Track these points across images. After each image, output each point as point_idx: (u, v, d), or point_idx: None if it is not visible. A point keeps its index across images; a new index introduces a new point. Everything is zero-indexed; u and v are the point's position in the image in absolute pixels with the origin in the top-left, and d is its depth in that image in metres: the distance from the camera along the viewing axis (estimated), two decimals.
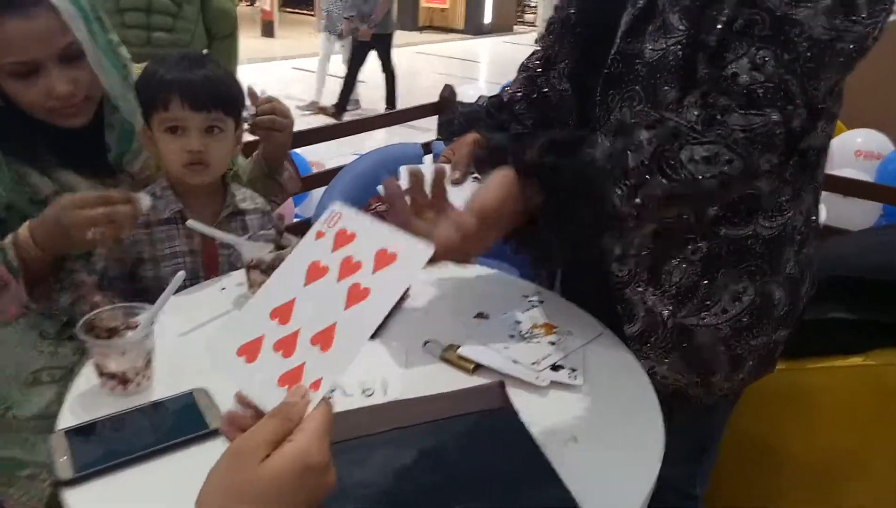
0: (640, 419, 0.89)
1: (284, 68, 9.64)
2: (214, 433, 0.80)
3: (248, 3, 16.24)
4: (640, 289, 1.03)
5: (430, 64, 11.04)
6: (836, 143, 3.55)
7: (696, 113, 0.83)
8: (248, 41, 9.23)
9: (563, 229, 0.86)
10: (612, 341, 1.05)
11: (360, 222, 0.62)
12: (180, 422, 0.82)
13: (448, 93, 3.02)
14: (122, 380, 0.87)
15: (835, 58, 0.83)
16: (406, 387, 0.91)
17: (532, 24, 16.48)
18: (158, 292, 0.93)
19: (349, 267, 0.59)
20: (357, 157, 2.48)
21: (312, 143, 2.75)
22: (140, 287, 1.19)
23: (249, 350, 0.58)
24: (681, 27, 0.90)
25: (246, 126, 1.33)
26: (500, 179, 0.87)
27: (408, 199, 0.89)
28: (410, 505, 0.73)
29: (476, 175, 1.09)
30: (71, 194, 1.05)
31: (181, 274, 0.96)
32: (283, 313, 0.59)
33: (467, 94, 3.78)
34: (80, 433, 0.80)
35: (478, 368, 0.96)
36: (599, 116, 0.99)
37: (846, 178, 2.89)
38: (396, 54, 7.27)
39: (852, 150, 3.78)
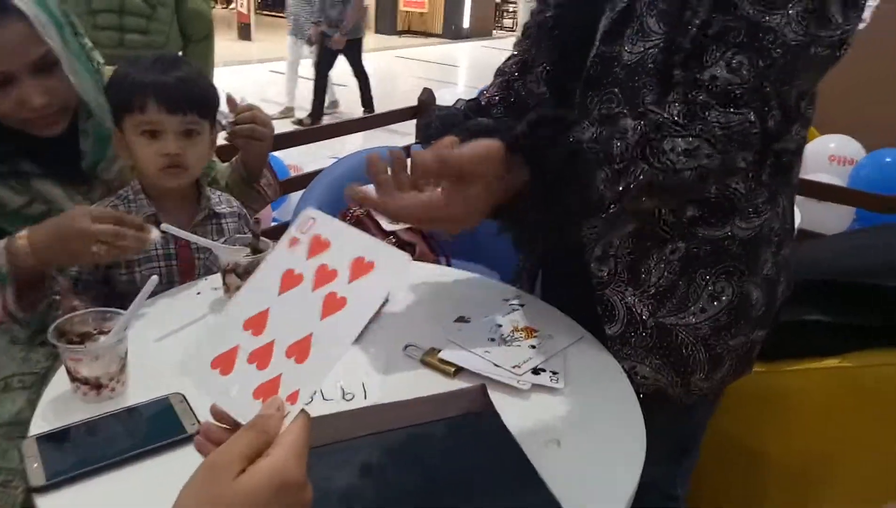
0: (622, 422, 0.89)
1: (261, 72, 9.58)
2: (191, 439, 0.79)
3: (224, 6, 16.12)
4: (619, 289, 1.04)
5: (408, 68, 11.04)
6: (809, 148, 3.60)
7: (678, 108, 0.85)
8: (225, 44, 9.18)
9: (547, 208, 0.86)
10: (593, 344, 1.05)
11: (335, 229, 0.60)
12: (156, 427, 0.81)
13: (427, 96, 3.02)
14: (95, 386, 0.85)
15: (808, 63, 0.85)
16: (387, 391, 0.90)
17: (511, 29, 16.59)
18: (133, 296, 0.91)
19: (325, 275, 0.58)
20: (336, 160, 2.46)
21: (290, 146, 2.73)
22: (114, 292, 1.16)
23: (223, 362, 0.57)
24: (658, 31, 0.91)
25: (224, 134, 1.32)
26: (483, 142, 0.84)
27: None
28: None
29: None
30: (84, 205, 1.04)
31: (154, 279, 0.94)
32: (256, 323, 0.58)
33: (446, 98, 3.78)
34: (52, 439, 0.78)
35: (459, 371, 0.95)
36: (579, 117, 0.98)
37: (820, 182, 2.94)
38: (375, 58, 7.28)
39: (826, 155, 3.84)
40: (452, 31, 15.30)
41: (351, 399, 0.88)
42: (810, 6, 0.82)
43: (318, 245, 0.59)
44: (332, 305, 0.56)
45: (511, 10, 17.27)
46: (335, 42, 6.64)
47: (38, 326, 1.13)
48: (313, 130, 3.83)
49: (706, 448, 1.28)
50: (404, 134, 4.50)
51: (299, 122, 6.93)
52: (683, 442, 1.24)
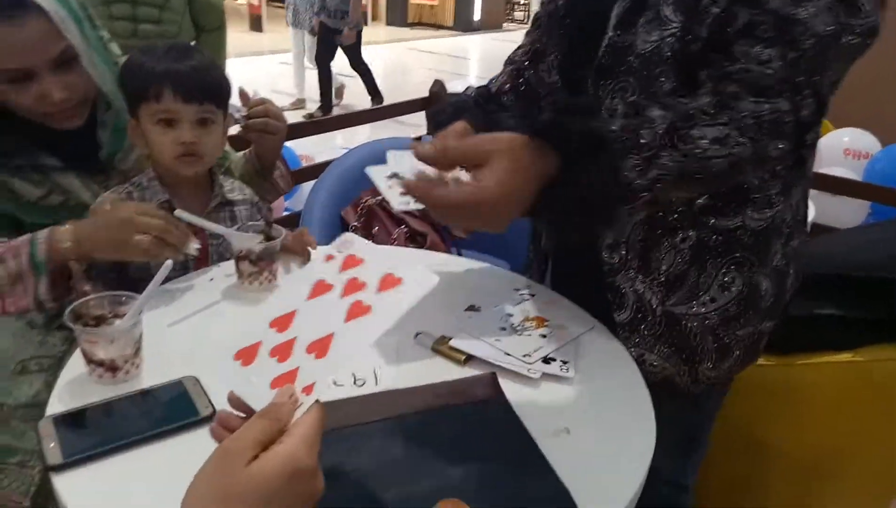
0: (632, 411, 0.89)
1: (273, 63, 9.58)
2: (205, 421, 0.80)
3: None
4: (630, 276, 1.04)
5: (419, 60, 11.02)
6: (824, 142, 3.58)
7: (707, 99, 0.85)
8: (236, 35, 9.19)
9: (577, 196, 0.83)
10: (604, 333, 1.05)
11: (370, 250, 0.65)
12: (170, 410, 0.81)
13: (438, 88, 3.02)
14: (111, 368, 0.86)
15: (839, 52, 0.85)
16: (397, 378, 0.90)
17: (522, 21, 16.52)
18: (146, 282, 0.91)
19: (354, 286, 0.61)
20: (346, 151, 2.47)
21: (302, 137, 2.74)
22: (127, 278, 1.17)
23: (245, 355, 0.60)
24: (675, 20, 0.90)
25: (238, 128, 1.32)
26: (506, 134, 0.83)
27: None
28: (401, 495, 0.72)
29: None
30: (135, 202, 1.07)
31: (169, 263, 0.95)
32: (282, 322, 0.61)
33: (456, 90, 3.77)
34: (68, 419, 0.79)
35: (469, 359, 0.95)
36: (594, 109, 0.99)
37: (834, 176, 2.92)
38: (386, 50, 7.25)
39: (840, 149, 3.81)
40: (463, 24, 15.25)
41: (362, 385, 0.89)
42: None
43: (352, 261, 0.64)
44: (358, 310, 0.59)
45: (522, 2, 17.19)
46: (346, 37, 6.57)
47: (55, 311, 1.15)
48: (324, 120, 3.84)
49: (716, 438, 1.28)
50: (415, 126, 4.50)
51: (310, 116, 6.92)
52: (693, 432, 1.24)
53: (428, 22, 15.76)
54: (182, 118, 1.14)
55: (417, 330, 1.01)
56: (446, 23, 15.49)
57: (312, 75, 7.14)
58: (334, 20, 6.52)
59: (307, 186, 2.87)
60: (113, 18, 2.75)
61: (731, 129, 0.83)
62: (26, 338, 1.19)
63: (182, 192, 1.21)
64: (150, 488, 0.71)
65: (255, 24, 12.45)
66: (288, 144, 2.97)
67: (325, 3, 6.46)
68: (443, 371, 0.93)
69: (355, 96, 7.45)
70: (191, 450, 0.75)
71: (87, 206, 1.17)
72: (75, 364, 0.90)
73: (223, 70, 1.23)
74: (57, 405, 0.83)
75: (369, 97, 7.21)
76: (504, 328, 1.03)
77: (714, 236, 1.00)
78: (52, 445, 0.74)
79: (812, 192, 1.13)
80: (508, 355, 0.96)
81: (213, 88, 1.18)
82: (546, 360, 0.96)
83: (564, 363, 0.95)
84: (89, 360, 0.87)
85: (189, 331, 1.01)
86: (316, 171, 2.51)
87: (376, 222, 2.03)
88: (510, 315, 1.07)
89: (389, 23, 15.66)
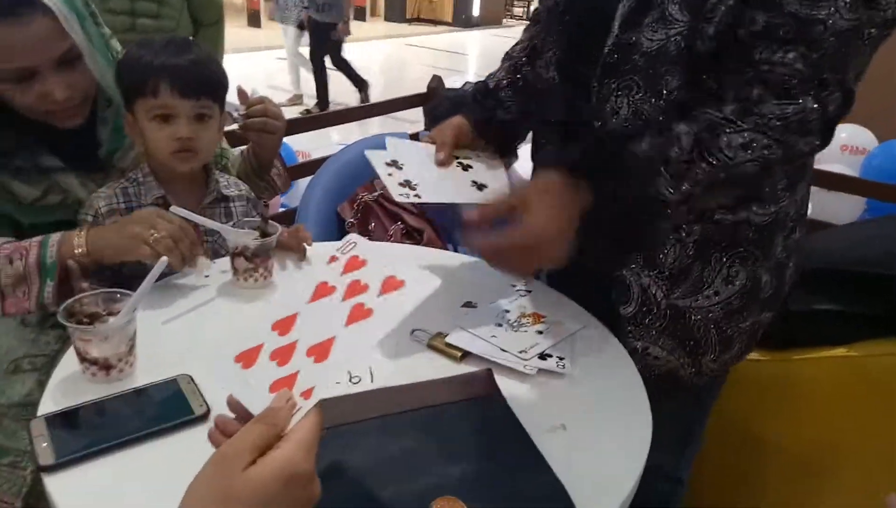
0: (628, 407, 0.89)
1: (270, 59, 9.56)
2: (199, 420, 0.79)
3: None
4: (635, 270, 1.05)
5: (417, 56, 11.00)
6: None
7: (731, 106, 0.87)
8: (234, 31, 9.14)
9: (617, 217, 0.90)
10: (600, 330, 1.05)
11: (373, 252, 0.65)
12: (165, 409, 0.81)
13: (436, 84, 3.00)
14: (104, 366, 0.85)
15: (861, 45, 0.86)
16: (393, 375, 0.90)
17: (521, 17, 16.49)
18: (141, 279, 0.91)
19: (356, 288, 0.62)
20: (343, 147, 2.46)
21: (299, 132, 2.73)
22: (122, 274, 1.17)
23: (246, 357, 0.60)
24: (682, 18, 0.91)
25: (236, 126, 1.31)
26: (541, 180, 0.91)
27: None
28: (397, 492, 0.72)
29: (463, 160, 1.09)
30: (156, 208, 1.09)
31: (163, 260, 0.95)
32: (283, 325, 0.61)
33: (455, 85, 3.76)
34: (61, 419, 0.79)
35: (465, 356, 0.95)
36: (596, 106, 1.00)
37: (832, 172, 2.91)
38: (384, 46, 7.22)
39: (838, 144, 3.81)
40: (462, 20, 15.23)
41: (358, 382, 0.89)
42: None
43: (354, 263, 0.65)
44: (359, 314, 0.60)
45: None
46: (341, 32, 6.54)
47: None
48: (321, 116, 3.84)
49: (713, 433, 1.28)
50: (413, 122, 4.49)
51: (307, 112, 6.90)
52: (689, 427, 1.25)
53: (426, 18, 15.73)
54: (179, 113, 1.13)
55: (413, 326, 1.00)
56: (445, 18, 15.46)
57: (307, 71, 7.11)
58: (321, 14, 6.44)
59: (303, 182, 2.87)
60: (111, 13, 2.73)
61: (756, 133, 0.85)
62: (19, 336, 1.19)
63: (177, 187, 1.20)
64: (144, 488, 0.71)
65: (253, 20, 12.43)
66: (284, 139, 2.96)
67: None
68: (439, 368, 0.93)
69: (350, 94, 7.43)
70: (185, 449, 0.76)
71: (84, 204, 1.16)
72: (68, 363, 0.89)
73: (221, 65, 1.22)
74: (49, 404, 0.83)
75: (357, 91, 7.13)
76: (500, 325, 1.02)
77: (718, 231, 1.01)
78: (44, 445, 0.74)
79: None
80: (505, 351, 0.96)
81: (210, 83, 1.17)
82: (542, 356, 0.95)
83: (561, 359, 0.95)
84: (83, 358, 0.86)
85: (184, 329, 1.00)
86: (312, 167, 2.50)
87: (373, 218, 2.03)
88: (507, 311, 1.06)
89: (388, 18, 15.63)
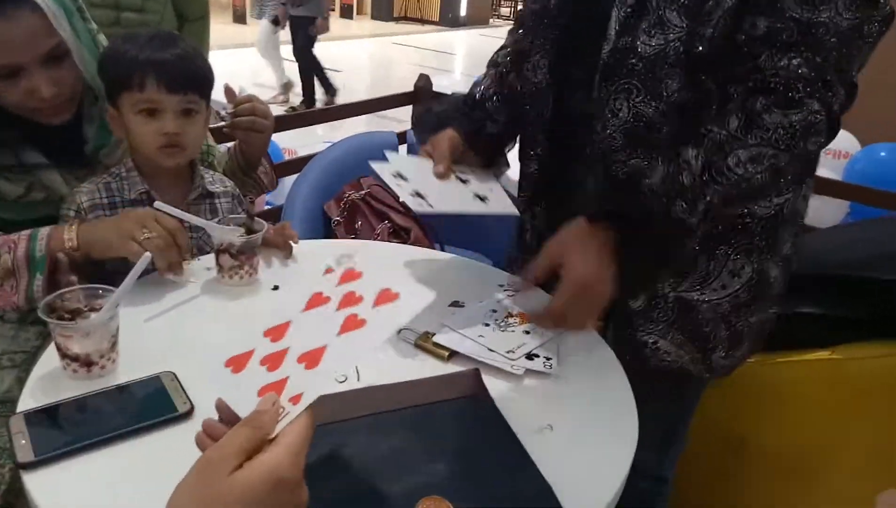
0: (614, 406, 0.89)
1: (256, 55, 9.46)
2: (183, 417, 0.78)
3: None
4: None
5: (405, 55, 10.99)
6: None
7: (735, 121, 0.88)
8: (219, 27, 9.06)
9: (644, 248, 0.94)
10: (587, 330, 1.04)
11: (369, 265, 0.66)
12: (148, 406, 0.80)
13: (424, 83, 3.00)
14: (86, 363, 0.84)
15: (863, 42, 0.88)
16: (380, 374, 0.89)
17: (508, 17, 16.51)
18: (124, 274, 0.90)
19: (351, 299, 0.62)
20: (330, 144, 2.45)
21: (285, 130, 2.71)
22: (105, 270, 1.15)
23: (236, 362, 0.60)
24: (681, 24, 0.92)
25: (222, 124, 1.30)
26: (558, 243, 0.95)
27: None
28: (383, 492, 0.72)
29: (459, 175, 1.09)
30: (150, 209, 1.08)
31: (147, 255, 0.93)
32: (276, 332, 0.62)
33: (442, 84, 3.76)
34: (40, 416, 0.78)
35: (453, 355, 0.95)
36: (595, 109, 1.01)
37: (815, 176, 2.93)
38: (370, 44, 7.17)
39: None
40: (449, 19, 15.23)
41: (343, 381, 0.88)
42: None
43: (350, 275, 0.66)
44: (352, 324, 0.60)
45: None
46: (319, 27, 6.47)
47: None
48: (308, 113, 3.82)
49: (697, 435, 1.29)
50: (400, 121, 4.48)
51: (293, 109, 6.86)
52: (674, 426, 1.26)
53: (413, 17, 15.72)
54: (166, 108, 1.12)
55: (400, 326, 1.00)
56: (432, 17, 15.46)
57: (290, 67, 7.04)
58: (296, 7, 6.37)
59: (289, 179, 2.86)
60: (95, 6, 2.70)
61: (763, 146, 0.87)
62: None
63: (161, 183, 1.19)
64: (126, 486, 0.70)
65: (239, 17, 12.35)
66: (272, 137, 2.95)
67: None
68: (426, 368, 0.93)
69: (349, 91, 7.39)
70: (168, 447, 0.75)
71: None
72: (49, 359, 0.88)
73: (207, 60, 1.20)
74: (29, 401, 0.81)
75: (362, 94, 7.09)
76: (488, 324, 1.02)
77: (722, 224, 1.02)
78: (23, 442, 0.72)
79: None
80: (492, 351, 0.95)
81: (197, 78, 1.15)
82: (529, 356, 0.95)
83: (548, 359, 0.95)
84: (64, 355, 0.85)
85: (167, 326, 0.99)
86: (298, 164, 2.49)
87: (360, 216, 2.02)
88: (494, 311, 1.06)
89: (375, 17, 15.60)
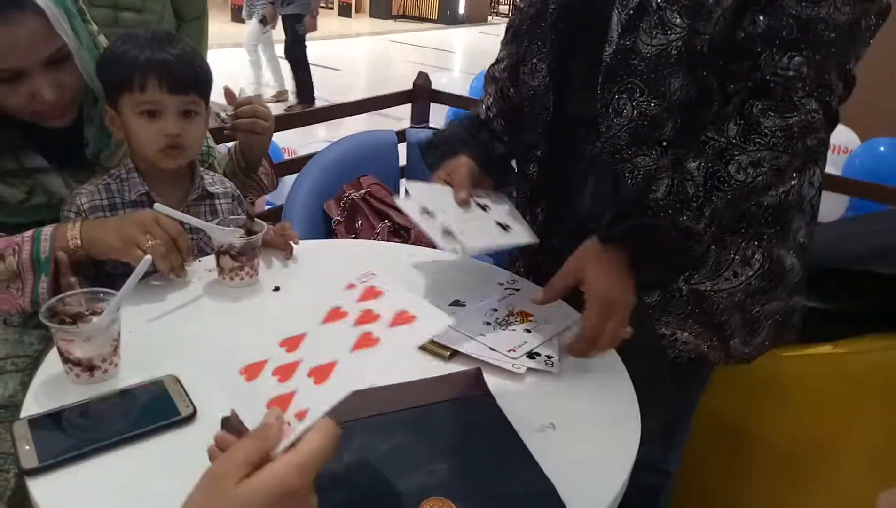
0: (617, 404, 0.89)
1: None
2: (186, 421, 0.78)
3: None
4: None
5: (403, 53, 10.98)
6: None
7: (734, 128, 0.90)
8: (217, 26, 9.03)
9: (655, 258, 0.96)
10: None
11: (391, 285, 0.66)
12: (151, 410, 0.80)
13: (423, 81, 2.99)
14: (88, 367, 0.84)
15: (861, 35, 0.89)
16: (381, 374, 0.89)
17: (506, 15, 16.49)
18: (125, 277, 0.90)
19: (368, 317, 0.62)
20: (329, 143, 2.45)
21: (284, 129, 2.71)
22: (105, 272, 1.15)
23: (250, 371, 0.61)
24: (682, 24, 0.92)
25: (221, 124, 1.30)
26: (570, 270, 0.98)
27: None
28: (386, 493, 0.72)
29: (477, 199, 1.10)
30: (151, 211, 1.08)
31: (148, 258, 0.93)
32: (291, 343, 0.63)
33: (441, 82, 3.76)
34: (44, 421, 0.77)
35: (454, 355, 0.95)
36: (597, 110, 1.01)
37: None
38: (369, 42, 7.15)
39: None
40: (448, 17, 15.22)
41: None
42: None
43: (371, 293, 0.66)
44: (366, 342, 0.60)
45: None
46: (308, 25, 6.42)
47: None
48: (307, 113, 3.81)
49: (700, 429, 1.29)
50: (399, 119, 4.48)
51: (290, 108, 6.84)
52: (677, 420, 1.27)
53: (412, 14, 15.70)
54: (167, 109, 1.12)
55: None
56: (431, 15, 15.45)
57: (284, 66, 7.01)
58: (285, 6, 6.34)
59: (289, 179, 2.85)
60: (94, 6, 2.70)
61: (762, 151, 0.88)
62: (1, 337, 1.16)
63: (161, 184, 1.18)
64: (130, 491, 0.70)
65: (237, 16, 12.33)
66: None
67: None
68: (427, 367, 0.93)
69: (346, 89, 7.37)
70: (172, 450, 0.75)
71: None
72: (52, 363, 0.88)
73: (205, 60, 1.20)
74: (33, 405, 0.81)
75: (359, 94, 7.06)
76: (489, 323, 1.02)
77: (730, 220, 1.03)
78: (27, 448, 0.72)
79: None
80: (493, 350, 0.95)
81: (197, 79, 1.15)
82: (531, 355, 0.95)
83: (549, 357, 0.95)
84: (66, 359, 0.85)
85: (169, 329, 0.99)
86: (298, 164, 2.49)
87: (360, 216, 2.02)
88: (495, 310, 1.06)
89: (373, 15, 15.59)
